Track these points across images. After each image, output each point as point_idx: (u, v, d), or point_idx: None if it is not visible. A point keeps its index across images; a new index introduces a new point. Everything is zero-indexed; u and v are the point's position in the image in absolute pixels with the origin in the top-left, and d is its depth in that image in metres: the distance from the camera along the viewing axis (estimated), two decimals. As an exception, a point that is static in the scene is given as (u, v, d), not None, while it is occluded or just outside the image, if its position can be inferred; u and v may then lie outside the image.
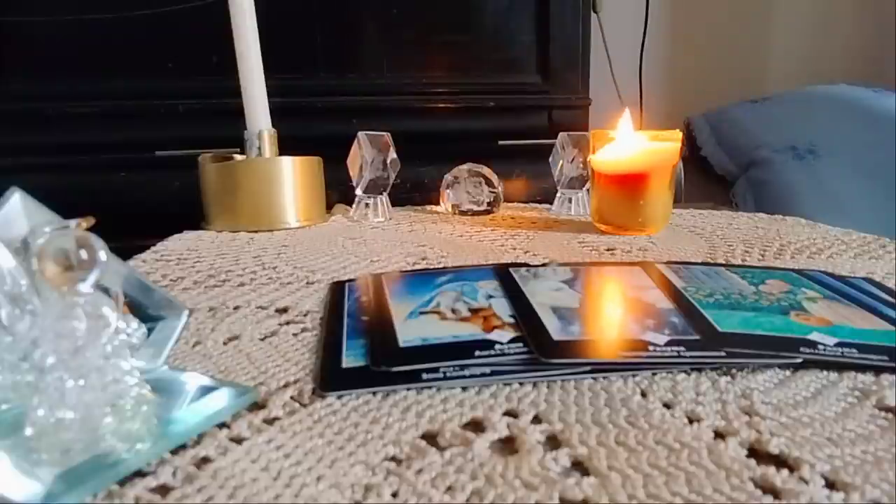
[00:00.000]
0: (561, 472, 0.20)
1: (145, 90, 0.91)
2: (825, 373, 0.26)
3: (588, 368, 0.26)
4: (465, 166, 0.67)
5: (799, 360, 0.27)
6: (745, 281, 0.37)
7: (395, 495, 0.18)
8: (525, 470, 0.20)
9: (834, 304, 0.34)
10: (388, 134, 0.63)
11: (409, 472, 0.19)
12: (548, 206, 0.72)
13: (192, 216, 0.61)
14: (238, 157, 0.62)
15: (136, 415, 0.21)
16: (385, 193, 0.65)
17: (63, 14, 0.87)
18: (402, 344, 0.28)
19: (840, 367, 0.27)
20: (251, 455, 0.20)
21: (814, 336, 0.29)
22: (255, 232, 0.58)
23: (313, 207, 0.62)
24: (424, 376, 0.25)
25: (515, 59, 1.01)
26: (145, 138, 0.91)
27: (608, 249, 0.50)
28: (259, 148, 0.60)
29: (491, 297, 0.34)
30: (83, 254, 0.19)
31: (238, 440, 0.21)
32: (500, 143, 1.01)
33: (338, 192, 0.71)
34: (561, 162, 0.66)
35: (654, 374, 0.26)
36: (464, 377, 0.25)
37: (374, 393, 0.25)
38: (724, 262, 0.46)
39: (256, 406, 0.24)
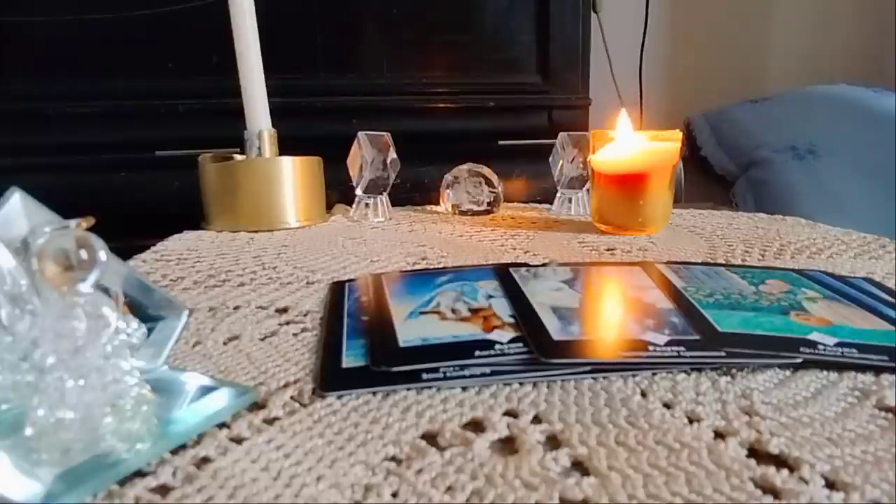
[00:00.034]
0: (561, 472, 0.20)
1: (145, 90, 0.91)
2: (825, 373, 0.26)
3: (588, 368, 0.26)
4: (465, 166, 0.67)
5: (799, 360, 0.27)
6: (745, 281, 0.37)
7: (395, 495, 0.18)
8: (525, 470, 0.20)
9: (834, 304, 0.34)
10: (388, 134, 0.63)
11: (409, 472, 0.19)
12: (548, 206, 0.72)
13: (192, 216, 0.61)
14: (238, 157, 0.62)
15: (136, 415, 0.21)
16: (385, 193, 0.65)
17: (63, 14, 0.87)
18: (402, 344, 0.28)
19: (840, 367, 0.27)
20: (251, 455, 0.20)
21: (814, 336, 0.29)
22: (255, 232, 0.58)
23: (313, 207, 0.62)
24: (424, 376, 0.25)
25: (515, 59, 1.01)
26: (145, 138, 0.91)
27: (608, 249, 0.50)
28: (259, 148, 0.60)
29: (491, 297, 0.34)
30: (83, 254, 0.19)
31: (238, 440, 0.21)
32: (500, 143, 1.01)
33: (338, 192, 0.71)
34: (561, 162, 0.66)
35: (654, 374, 0.26)
36: (464, 377, 0.25)
37: (374, 393, 0.25)
38: (724, 262, 0.46)
39: (256, 406, 0.24)
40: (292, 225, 0.60)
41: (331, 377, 0.26)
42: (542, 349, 0.27)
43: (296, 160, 0.60)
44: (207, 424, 0.22)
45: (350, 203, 0.67)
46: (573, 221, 0.63)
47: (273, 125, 0.61)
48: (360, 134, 0.62)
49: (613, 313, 0.34)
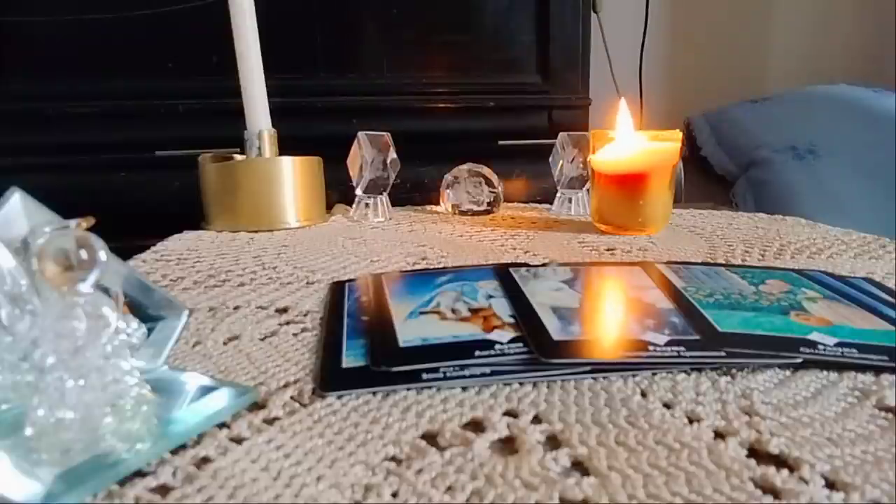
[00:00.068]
0: (561, 472, 0.20)
1: (145, 90, 0.91)
2: (825, 373, 0.26)
3: (588, 368, 0.26)
4: (465, 166, 0.67)
5: (799, 360, 0.27)
6: (745, 281, 0.37)
7: (395, 495, 0.18)
8: (525, 470, 0.20)
9: (834, 304, 0.34)
10: (388, 134, 0.63)
11: (409, 472, 0.19)
12: (548, 206, 0.72)
13: (192, 216, 0.61)
14: (238, 157, 0.62)
15: (136, 415, 0.21)
16: (385, 193, 0.65)
17: (63, 14, 0.87)
18: (402, 344, 0.28)
19: (840, 367, 0.27)
20: (251, 455, 0.20)
21: (814, 336, 0.29)
22: (255, 232, 0.58)
23: (313, 207, 0.62)
24: (424, 376, 0.25)
25: (515, 59, 1.01)
26: (145, 138, 0.91)
27: (608, 249, 0.50)
28: (259, 148, 0.60)
29: (491, 297, 0.34)
30: (83, 254, 0.19)
31: (238, 440, 0.21)
32: (500, 143, 1.01)
33: (338, 192, 0.71)
34: (561, 162, 0.66)
35: (654, 374, 0.26)
36: (464, 377, 0.25)
37: (374, 393, 0.25)
38: (724, 262, 0.46)
39: (256, 406, 0.24)
40: (292, 225, 0.60)
41: (331, 377, 0.26)
42: (542, 349, 0.27)
43: (296, 160, 0.60)
44: (207, 424, 0.22)
45: (350, 203, 0.67)
46: (573, 221, 0.63)
47: (273, 125, 0.61)
48: (360, 134, 0.62)
49: (613, 313, 0.34)
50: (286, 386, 0.25)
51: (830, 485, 0.19)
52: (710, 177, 1.27)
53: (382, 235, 0.57)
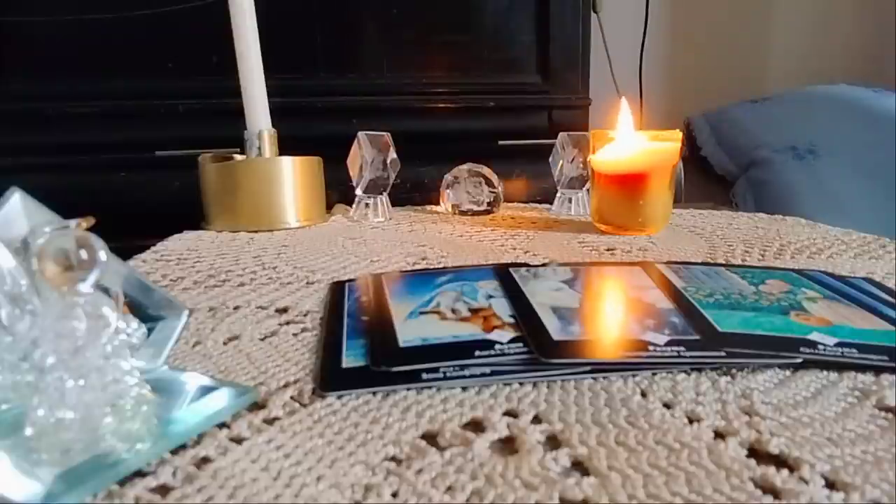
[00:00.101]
0: (561, 472, 0.20)
1: (145, 90, 0.91)
2: (825, 373, 0.26)
3: (588, 368, 0.26)
4: (465, 166, 0.67)
5: (799, 360, 0.27)
6: (745, 281, 0.37)
7: (395, 495, 0.18)
8: (525, 470, 0.20)
9: (834, 304, 0.34)
10: (388, 134, 0.63)
11: (409, 472, 0.19)
12: (548, 206, 0.72)
13: (192, 216, 0.61)
14: (238, 157, 0.62)
15: (136, 415, 0.21)
16: (385, 193, 0.65)
17: (63, 14, 0.87)
18: (402, 344, 0.28)
19: (840, 367, 0.27)
20: (251, 455, 0.20)
21: (814, 336, 0.29)
22: (255, 232, 0.58)
23: (313, 207, 0.62)
24: (424, 376, 0.25)
25: (515, 59, 1.01)
26: (145, 138, 0.91)
27: (608, 249, 0.50)
28: (259, 148, 0.60)
29: (491, 297, 0.34)
30: (83, 254, 0.19)
31: (238, 440, 0.21)
32: (500, 143, 1.01)
33: (338, 192, 0.71)
34: (561, 162, 0.66)
35: (654, 374, 0.26)
36: (464, 377, 0.25)
37: (374, 393, 0.25)
38: (724, 262, 0.46)
39: (256, 406, 0.24)
40: (292, 225, 0.60)
41: (331, 377, 0.26)
42: (542, 349, 0.27)
43: (296, 160, 0.60)
44: (207, 424, 0.22)
45: (350, 203, 0.67)
46: (573, 221, 0.63)
47: (273, 125, 0.61)
48: (360, 134, 0.62)
49: (613, 313, 0.34)
50: (286, 386, 0.25)
51: (830, 485, 0.19)
52: (710, 177, 1.27)
53: (382, 235, 0.57)
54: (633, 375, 0.26)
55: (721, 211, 0.71)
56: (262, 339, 0.31)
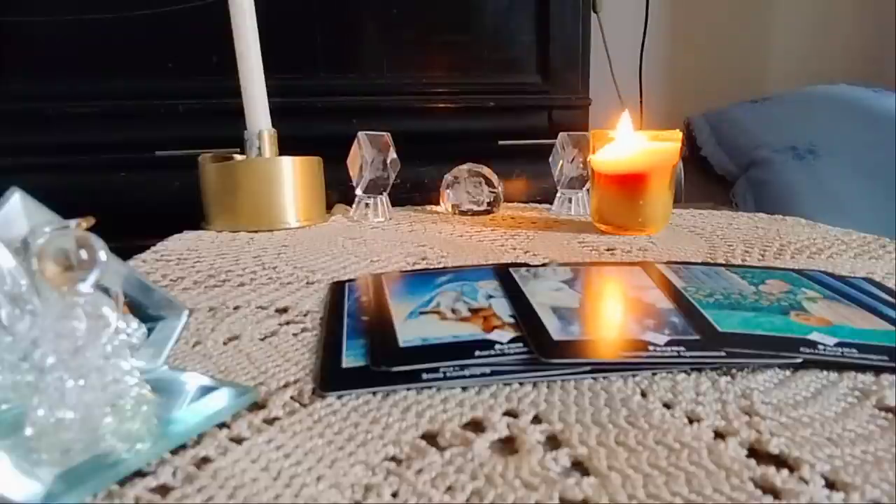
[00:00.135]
0: (561, 472, 0.20)
1: (145, 90, 0.91)
2: (825, 373, 0.26)
3: (588, 368, 0.26)
4: (465, 166, 0.67)
5: (799, 360, 0.27)
6: (745, 281, 0.37)
7: (395, 495, 0.18)
8: (525, 470, 0.20)
9: (834, 304, 0.34)
10: (388, 134, 0.63)
11: (409, 472, 0.19)
12: (548, 206, 0.72)
13: (192, 216, 0.61)
14: (238, 157, 0.62)
15: (136, 415, 0.21)
16: (385, 193, 0.65)
17: (63, 14, 0.87)
18: (402, 344, 0.28)
19: (840, 367, 0.27)
20: (251, 455, 0.20)
21: (814, 336, 0.29)
22: (255, 232, 0.58)
23: (313, 207, 0.62)
24: (424, 376, 0.25)
25: (515, 59, 1.01)
26: (145, 138, 0.91)
27: (608, 249, 0.50)
28: (259, 148, 0.60)
29: (491, 297, 0.34)
30: (83, 254, 0.19)
31: (238, 440, 0.21)
32: (500, 143, 1.01)
33: (338, 192, 0.71)
34: (561, 162, 0.66)
35: (654, 374, 0.26)
36: (464, 377, 0.25)
37: (374, 393, 0.25)
38: (724, 262, 0.46)
39: (256, 406, 0.24)
40: (292, 225, 0.60)
41: (331, 377, 0.26)
42: (542, 349, 0.27)
43: (296, 160, 0.60)
44: (207, 424, 0.22)
45: (350, 203, 0.67)
46: (573, 221, 0.63)
47: (273, 125, 0.61)
48: (360, 134, 0.62)
49: (613, 313, 0.34)
50: (286, 386, 0.25)
51: (830, 485, 0.19)
52: (710, 177, 1.27)
53: (382, 235, 0.57)
54: (633, 375, 0.26)
55: (721, 211, 0.71)
56: (262, 339, 0.31)
